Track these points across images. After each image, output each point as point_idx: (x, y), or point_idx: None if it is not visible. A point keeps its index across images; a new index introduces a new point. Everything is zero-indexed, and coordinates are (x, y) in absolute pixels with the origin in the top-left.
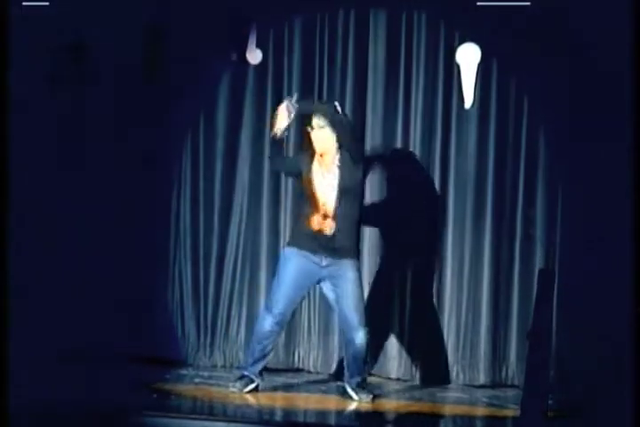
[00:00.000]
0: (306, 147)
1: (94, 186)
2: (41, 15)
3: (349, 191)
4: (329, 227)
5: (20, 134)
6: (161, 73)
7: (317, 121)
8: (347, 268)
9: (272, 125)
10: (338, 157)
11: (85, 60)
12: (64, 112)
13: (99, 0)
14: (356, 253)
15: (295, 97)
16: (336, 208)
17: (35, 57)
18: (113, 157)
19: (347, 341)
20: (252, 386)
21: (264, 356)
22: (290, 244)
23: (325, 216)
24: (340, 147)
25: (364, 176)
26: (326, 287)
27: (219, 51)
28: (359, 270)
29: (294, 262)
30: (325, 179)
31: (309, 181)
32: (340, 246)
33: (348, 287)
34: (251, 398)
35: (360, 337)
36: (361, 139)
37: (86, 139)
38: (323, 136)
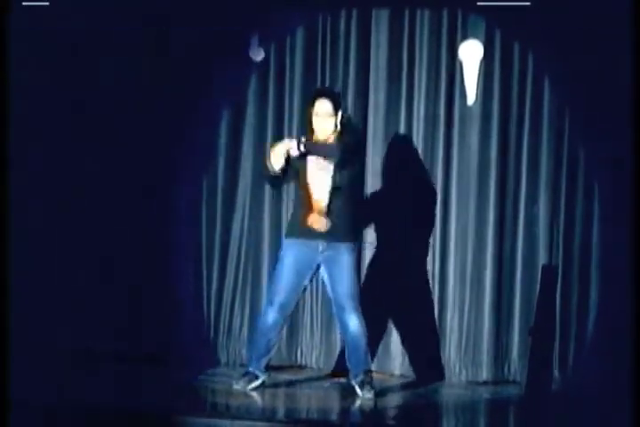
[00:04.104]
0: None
1: (95, 184)
2: (41, 15)
3: (346, 179)
4: (323, 225)
5: (20, 134)
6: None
7: (325, 108)
8: (342, 252)
9: (270, 157)
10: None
11: None
12: (64, 113)
13: (99, 0)
14: (352, 237)
15: (303, 139)
16: (331, 199)
17: (35, 57)
18: (114, 155)
19: (343, 328)
20: (257, 383)
21: (268, 351)
22: (287, 235)
23: (320, 212)
24: (340, 136)
25: (365, 169)
26: (323, 273)
27: (220, 50)
28: (354, 253)
29: (292, 252)
30: (322, 170)
31: (304, 174)
32: (336, 230)
33: (341, 272)
34: (253, 396)
35: (354, 322)
36: (362, 132)
37: (87, 138)
38: (327, 124)
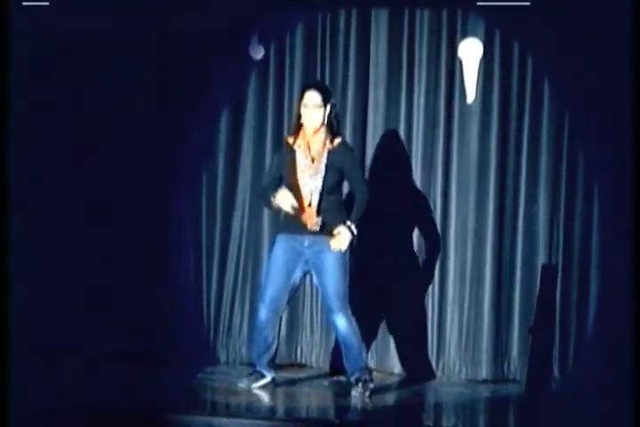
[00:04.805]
0: (288, 132)
1: (94, 184)
2: (41, 15)
3: (337, 174)
4: (315, 223)
5: (20, 134)
6: (163, 71)
7: (313, 100)
8: (328, 247)
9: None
10: (329, 138)
11: None
12: (64, 113)
13: (99, 0)
14: None
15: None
16: (322, 196)
17: (35, 57)
18: (114, 155)
19: (333, 327)
20: (263, 381)
21: (267, 348)
22: (278, 231)
23: (311, 209)
24: (331, 128)
25: (364, 165)
26: (311, 269)
27: (220, 48)
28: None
29: (281, 247)
30: (313, 174)
31: (294, 175)
32: (324, 225)
33: (327, 271)
34: (253, 394)
35: (341, 322)
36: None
37: (87, 138)
38: (316, 116)
